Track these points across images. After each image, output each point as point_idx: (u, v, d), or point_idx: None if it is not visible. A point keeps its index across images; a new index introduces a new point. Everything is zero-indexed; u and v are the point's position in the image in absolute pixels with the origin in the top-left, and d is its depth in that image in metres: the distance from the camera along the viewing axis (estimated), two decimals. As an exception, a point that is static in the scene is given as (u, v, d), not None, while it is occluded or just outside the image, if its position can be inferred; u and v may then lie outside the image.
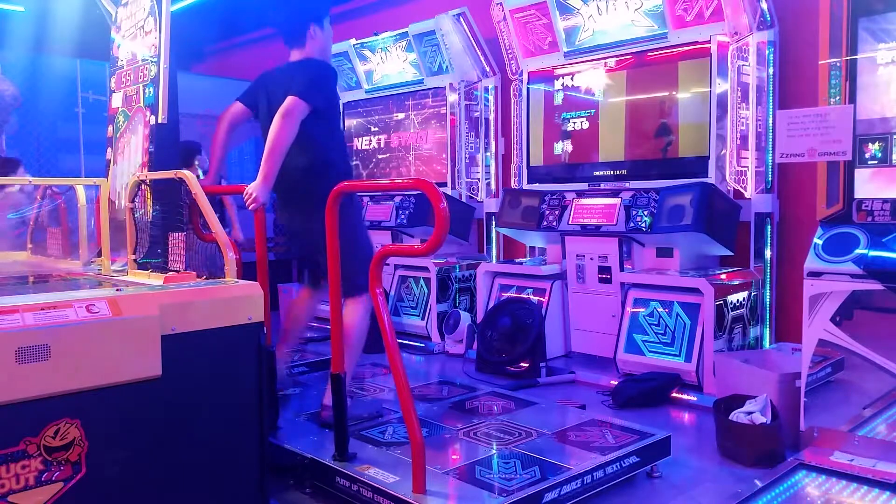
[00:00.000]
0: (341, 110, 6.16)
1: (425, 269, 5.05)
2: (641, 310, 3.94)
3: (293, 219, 3.36)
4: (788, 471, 2.63)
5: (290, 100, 3.02)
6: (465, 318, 4.77)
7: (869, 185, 2.80)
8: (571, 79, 4.59)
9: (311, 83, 3.11)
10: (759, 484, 2.53)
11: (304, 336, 3.68)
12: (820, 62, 2.87)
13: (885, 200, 2.73)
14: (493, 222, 5.07)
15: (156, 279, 2.47)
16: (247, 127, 3.52)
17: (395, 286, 5.34)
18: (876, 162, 2.78)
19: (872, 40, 2.76)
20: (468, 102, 5.29)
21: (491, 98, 5.24)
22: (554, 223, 4.39)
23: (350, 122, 6.19)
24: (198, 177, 3.56)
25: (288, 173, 3.16)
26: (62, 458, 1.85)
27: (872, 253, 2.68)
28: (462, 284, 5.14)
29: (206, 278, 2.42)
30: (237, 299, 2.22)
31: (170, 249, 2.63)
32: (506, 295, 4.62)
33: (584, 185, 4.48)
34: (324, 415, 3.03)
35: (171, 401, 2.05)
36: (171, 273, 2.47)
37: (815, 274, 2.80)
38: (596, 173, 4.47)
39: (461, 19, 5.05)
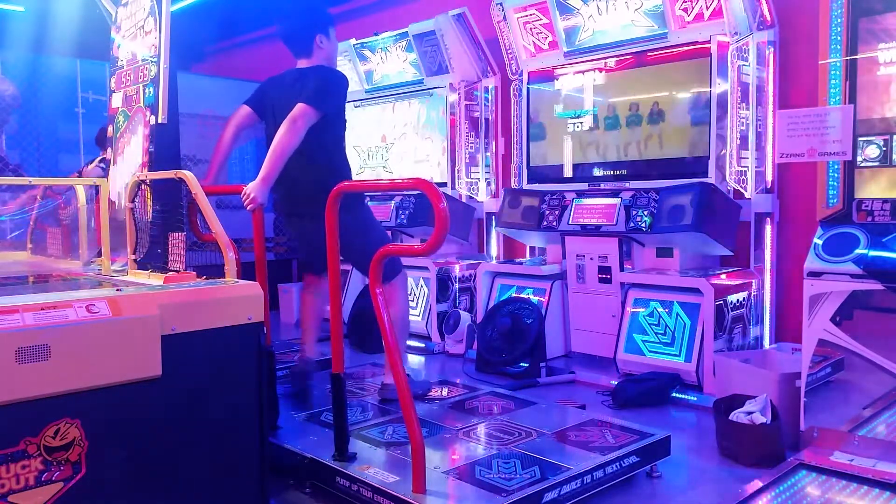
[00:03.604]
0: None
1: (425, 269, 5.04)
2: (641, 310, 3.94)
3: (304, 222, 3.38)
4: (788, 471, 2.63)
5: (299, 106, 3.06)
6: (465, 318, 4.77)
7: (869, 185, 2.80)
8: (571, 79, 4.59)
9: (322, 90, 3.15)
10: (759, 484, 2.53)
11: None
12: (820, 62, 2.87)
13: (885, 200, 2.73)
14: (493, 222, 5.06)
15: (156, 279, 2.47)
16: (249, 131, 3.54)
17: (395, 286, 5.34)
18: (876, 162, 2.78)
19: (872, 40, 2.76)
20: (468, 102, 5.29)
21: (491, 98, 5.24)
22: (554, 223, 4.39)
23: (350, 122, 6.18)
24: None
25: (297, 179, 3.19)
26: (62, 458, 1.85)
27: (872, 253, 2.68)
28: (462, 284, 5.14)
29: (206, 279, 2.42)
30: (237, 299, 2.22)
31: (170, 249, 2.63)
32: (506, 295, 4.62)
33: (584, 185, 4.48)
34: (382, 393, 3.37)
35: (171, 401, 2.05)
36: (171, 273, 2.47)
37: (815, 274, 2.80)
38: (596, 173, 4.46)
39: (461, 19, 5.05)
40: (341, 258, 2.88)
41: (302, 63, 3.39)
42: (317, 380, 3.66)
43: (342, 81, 3.32)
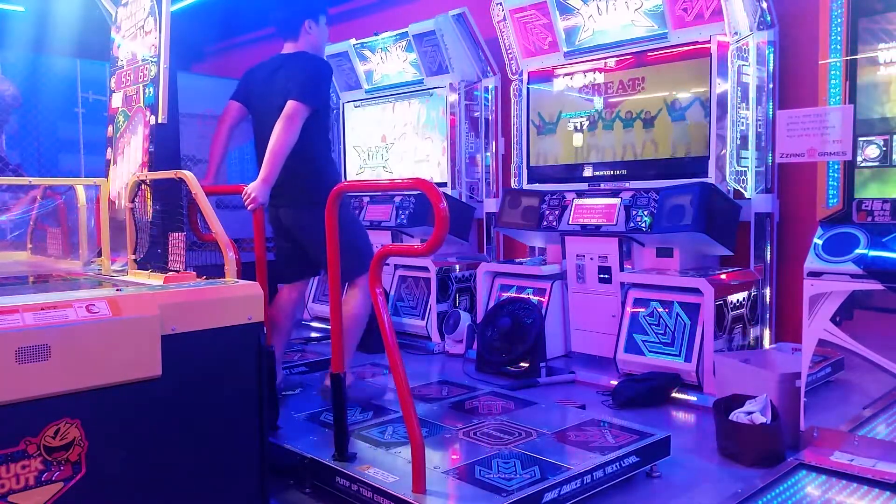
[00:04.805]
0: (341, 110, 6.16)
1: (425, 269, 5.04)
2: (641, 310, 3.94)
3: (286, 214, 3.35)
4: (788, 471, 2.63)
5: (291, 104, 3.04)
6: (465, 318, 4.77)
7: (869, 185, 2.80)
8: (571, 79, 4.59)
9: (311, 84, 3.13)
10: (759, 484, 2.53)
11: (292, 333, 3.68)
12: (820, 62, 2.87)
13: (885, 200, 2.73)
14: (493, 222, 5.06)
15: (156, 279, 2.47)
16: (247, 127, 3.53)
17: (395, 286, 5.34)
18: (876, 162, 2.78)
19: (872, 40, 2.76)
20: (468, 102, 5.29)
21: (491, 98, 5.24)
22: (554, 223, 4.39)
23: (350, 122, 6.19)
24: None
25: (282, 172, 3.18)
26: (62, 458, 1.85)
27: (872, 253, 2.68)
28: (462, 284, 5.14)
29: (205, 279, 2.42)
30: (237, 299, 2.22)
31: (170, 249, 2.64)
32: (506, 295, 4.62)
33: (584, 185, 4.48)
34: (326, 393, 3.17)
35: (171, 401, 2.05)
36: (171, 273, 2.47)
37: (815, 274, 2.80)
38: (596, 173, 4.46)
39: (461, 19, 5.05)
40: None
41: (287, 48, 3.35)
42: (318, 380, 3.66)
43: (327, 71, 3.29)
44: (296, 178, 3.21)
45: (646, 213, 3.97)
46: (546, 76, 4.73)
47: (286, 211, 3.32)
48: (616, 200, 4.17)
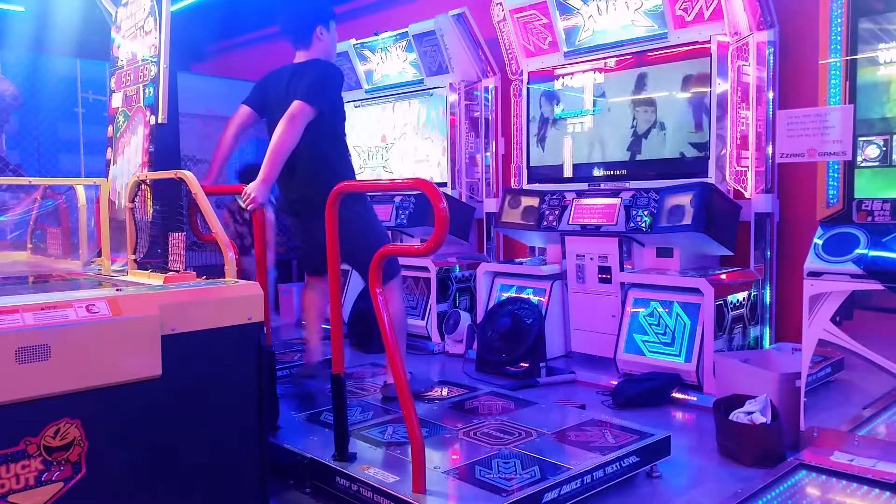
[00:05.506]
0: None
1: (425, 269, 5.05)
2: (641, 310, 3.94)
3: (304, 221, 3.35)
4: (788, 471, 2.63)
5: (295, 104, 3.05)
6: (465, 318, 4.77)
7: (869, 185, 2.80)
8: (571, 79, 4.58)
9: (316, 86, 3.13)
10: (759, 484, 2.53)
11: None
12: (820, 62, 2.87)
13: (885, 200, 2.73)
14: (493, 222, 5.06)
15: (156, 279, 2.47)
16: (249, 129, 3.53)
17: (395, 286, 5.34)
18: (876, 162, 2.78)
19: (872, 40, 2.77)
20: (468, 102, 5.29)
21: (491, 98, 5.24)
22: (554, 223, 4.39)
23: (350, 122, 6.18)
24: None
25: (295, 177, 3.18)
26: (62, 458, 1.85)
27: (872, 253, 2.68)
28: (462, 284, 5.14)
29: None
30: (237, 299, 2.22)
31: (170, 249, 2.64)
32: (506, 295, 4.62)
33: (584, 185, 4.48)
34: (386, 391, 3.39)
35: (171, 401, 2.05)
36: (171, 273, 2.47)
37: (815, 274, 2.80)
38: (596, 173, 4.46)
39: (461, 19, 5.05)
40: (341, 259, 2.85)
41: (300, 56, 3.37)
42: (319, 380, 3.67)
43: (337, 75, 3.30)
44: (315, 184, 3.17)
45: (646, 213, 3.96)
46: (546, 76, 4.73)
47: (318, 222, 3.28)
48: (616, 200, 4.17)
